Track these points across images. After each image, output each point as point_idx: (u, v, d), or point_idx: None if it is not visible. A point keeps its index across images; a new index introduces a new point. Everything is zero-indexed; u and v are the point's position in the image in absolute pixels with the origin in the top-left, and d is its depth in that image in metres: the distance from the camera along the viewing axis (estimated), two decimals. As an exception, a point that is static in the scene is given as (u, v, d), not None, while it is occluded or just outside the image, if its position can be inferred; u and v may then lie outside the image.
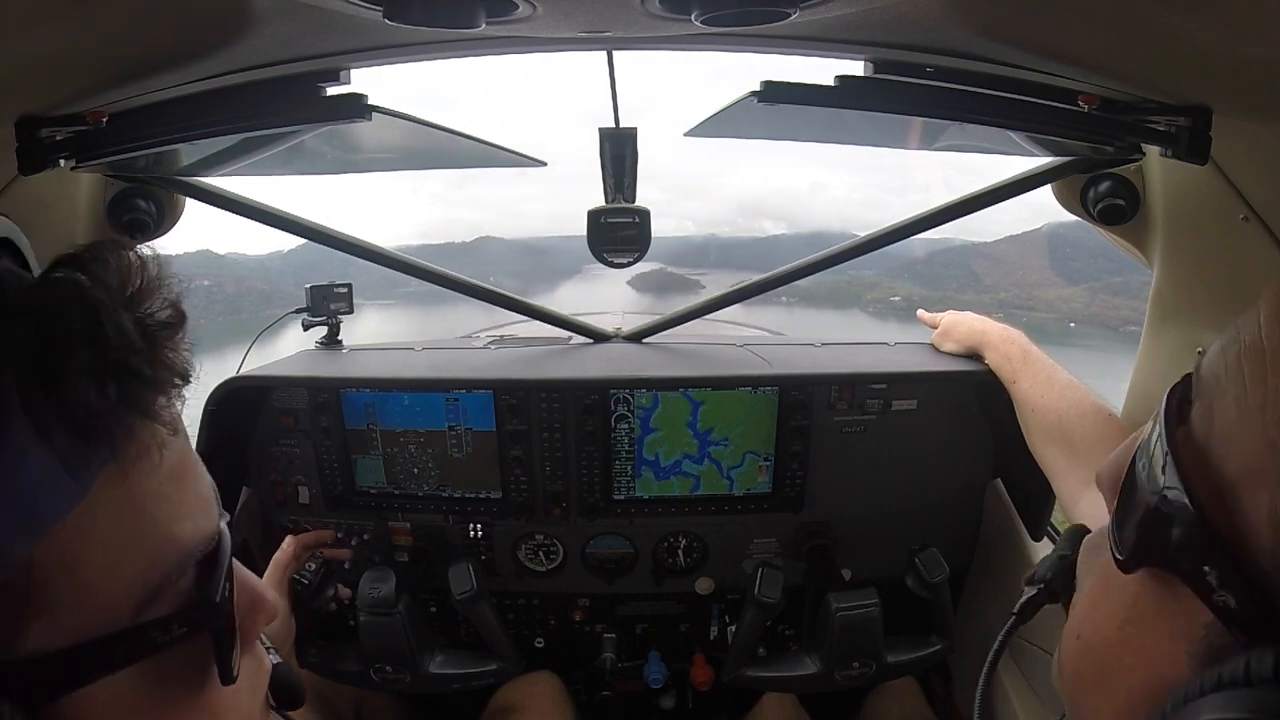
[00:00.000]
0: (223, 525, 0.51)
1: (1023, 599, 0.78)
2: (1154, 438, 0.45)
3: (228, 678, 0.48)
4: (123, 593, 0.42)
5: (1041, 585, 0.77)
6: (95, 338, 0.40)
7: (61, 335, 0.39)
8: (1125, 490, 0.46)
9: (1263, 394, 0.39)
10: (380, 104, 1.24)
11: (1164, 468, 0.42)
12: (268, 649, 0.58)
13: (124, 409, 0.41)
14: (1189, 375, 0.46)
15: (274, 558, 1.70)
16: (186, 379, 0.46)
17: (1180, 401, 0.45)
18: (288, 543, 1.74)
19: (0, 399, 0.37)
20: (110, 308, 0.41)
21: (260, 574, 1.71)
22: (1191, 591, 0.39)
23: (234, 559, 0.52)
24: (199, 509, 0.48)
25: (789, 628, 2.07)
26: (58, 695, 0.40)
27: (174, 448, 0.45)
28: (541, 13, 0.88)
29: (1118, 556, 0.45)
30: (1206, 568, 0.38)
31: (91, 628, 0.41)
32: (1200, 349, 1.38)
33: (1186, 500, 0.40)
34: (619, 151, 1.62)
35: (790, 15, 0.86)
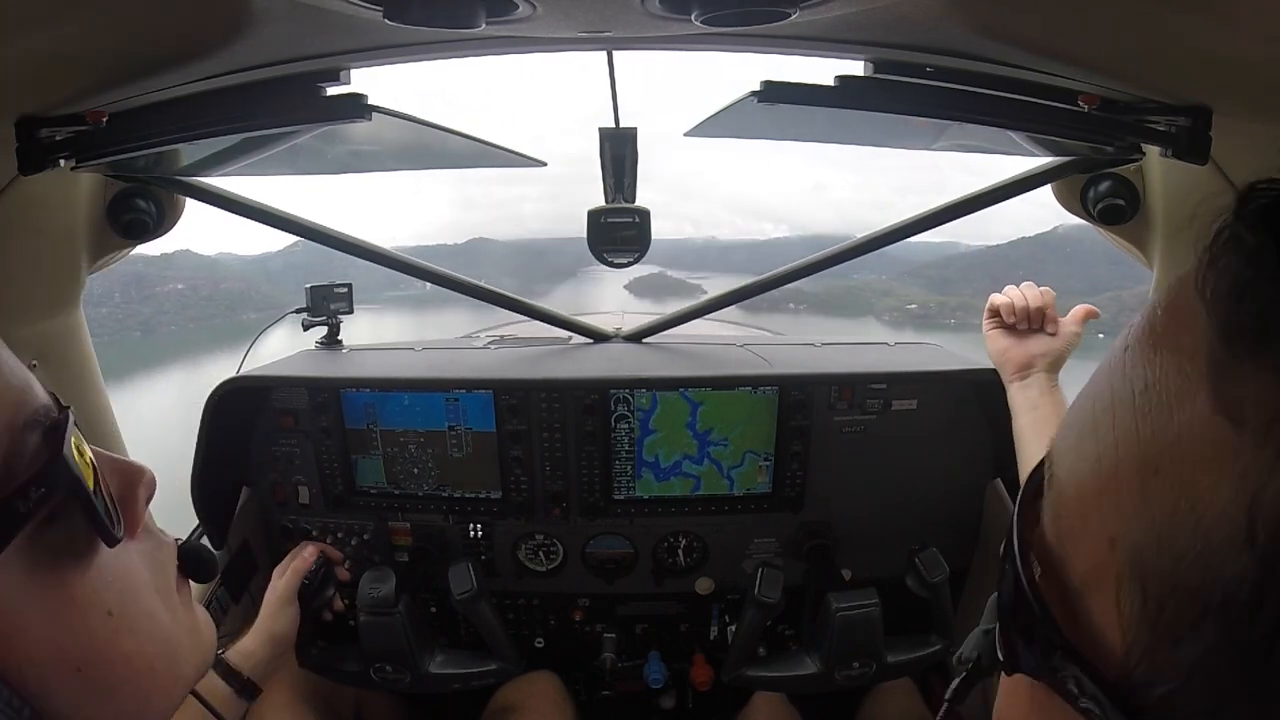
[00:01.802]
0: (60, 407, 0.53)
1: (952, 685, 0.74)
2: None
3: (109, 538, 0.51)
4: None
5: (968, 666, 0.72)
6: None
7: None
8: (1002, 571, 0.42)
9: (1098, 480, 0.35)
10: (380, 104, 1.24)
11: (1018, 567, 0.39)
12: (177, 542, 0.61)
13: None
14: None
15: (294, 565, 1.73)
16: None
17: (1038, 486, 0.41)
18: (310, 551, 1.79)
19: None
20: None
21: (264, 576, 1.73)
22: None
23: (95, 449, 0.54)
24: (22, 386, 0.51)
25: (789, 628, 2.07)
26: None
27: None
28: (541, 13, 0.88)
29: (999, 657, 0.42)
30: (1065, 676, 0.35)
31: None
32: None
33: (1036, 606, 0.37)
34: (619, 151, 1.62)
35: (790, 15, 0.86)
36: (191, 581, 0.62)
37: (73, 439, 0.51)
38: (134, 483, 0.57)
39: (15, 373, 0.51)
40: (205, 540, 1.92)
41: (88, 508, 0.50)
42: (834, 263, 1.98)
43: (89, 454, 0.53)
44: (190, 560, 0.62)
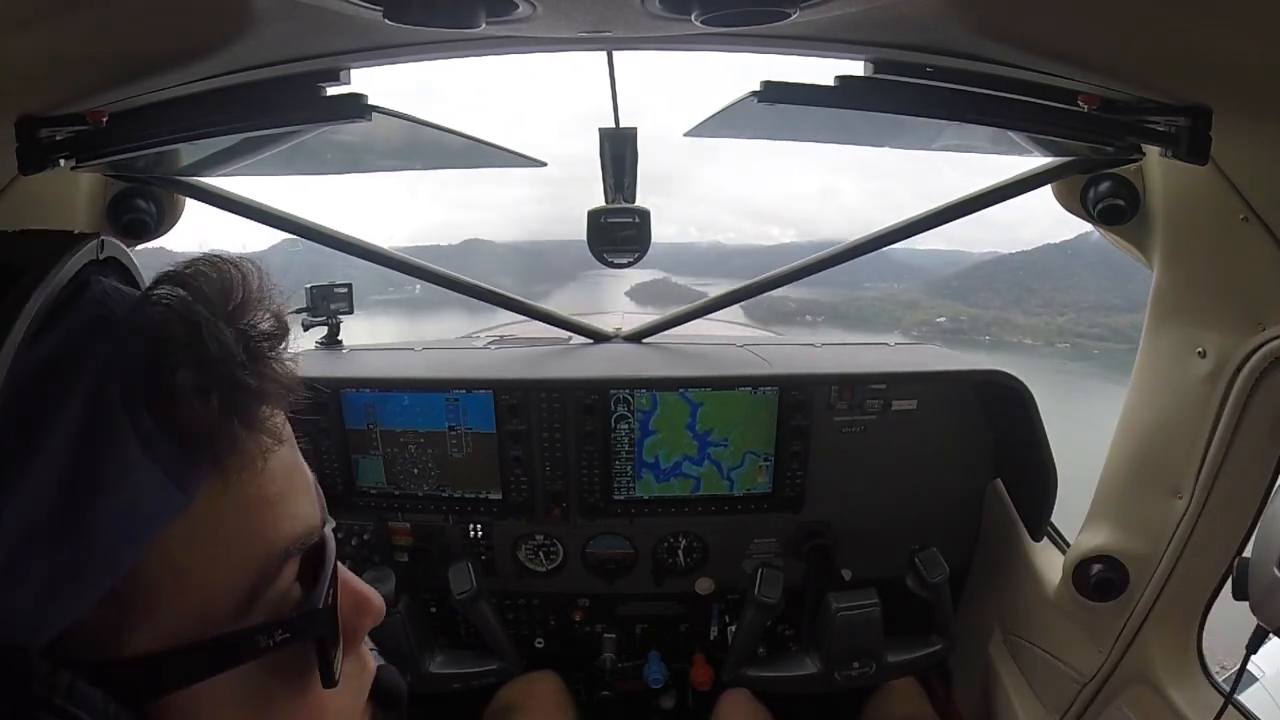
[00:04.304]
0: (326, 530, 0.51)
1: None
2: None
3: (329, 681, 0.48)
4: (225, 595, 0.43)
5: None
6: (197, 352, 0.41)
7: (164, 351, 0.40)
8: None
9: None
10: (380, 104, 1.24)
11: None
12: (371, 649, 0.58)
13: (227, 421, 0.42)
14: None
15: None
16: (291, 388, 0.46)
17: None
18: None
19: (108, 415, 0.39)
20: (211, 322, 0.42)
21: None
22: None
23: (339, 562, 0.51)
24: (299, 510, 0.48)
25: (789, 628, 2.07)
26: (160, 694, 0.41)
27: (278, 455, 0.46)
28: (541, 13, 0.88)
29: None
30: None
31: (195, 631, 0.41)
32: (1200, 349, 1.37)
33: None
34: (619, 151, 1.62)
35: (790, 15, 0.86)
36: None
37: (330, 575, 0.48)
38: (364, 613, 0.54)
39: (308, 499, 0.48)
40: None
41: (325, 655, 0.47)
42: (835, 263, 1.98)
43: (338, 583, 0.50)
44: (380, 689, 0.57)
